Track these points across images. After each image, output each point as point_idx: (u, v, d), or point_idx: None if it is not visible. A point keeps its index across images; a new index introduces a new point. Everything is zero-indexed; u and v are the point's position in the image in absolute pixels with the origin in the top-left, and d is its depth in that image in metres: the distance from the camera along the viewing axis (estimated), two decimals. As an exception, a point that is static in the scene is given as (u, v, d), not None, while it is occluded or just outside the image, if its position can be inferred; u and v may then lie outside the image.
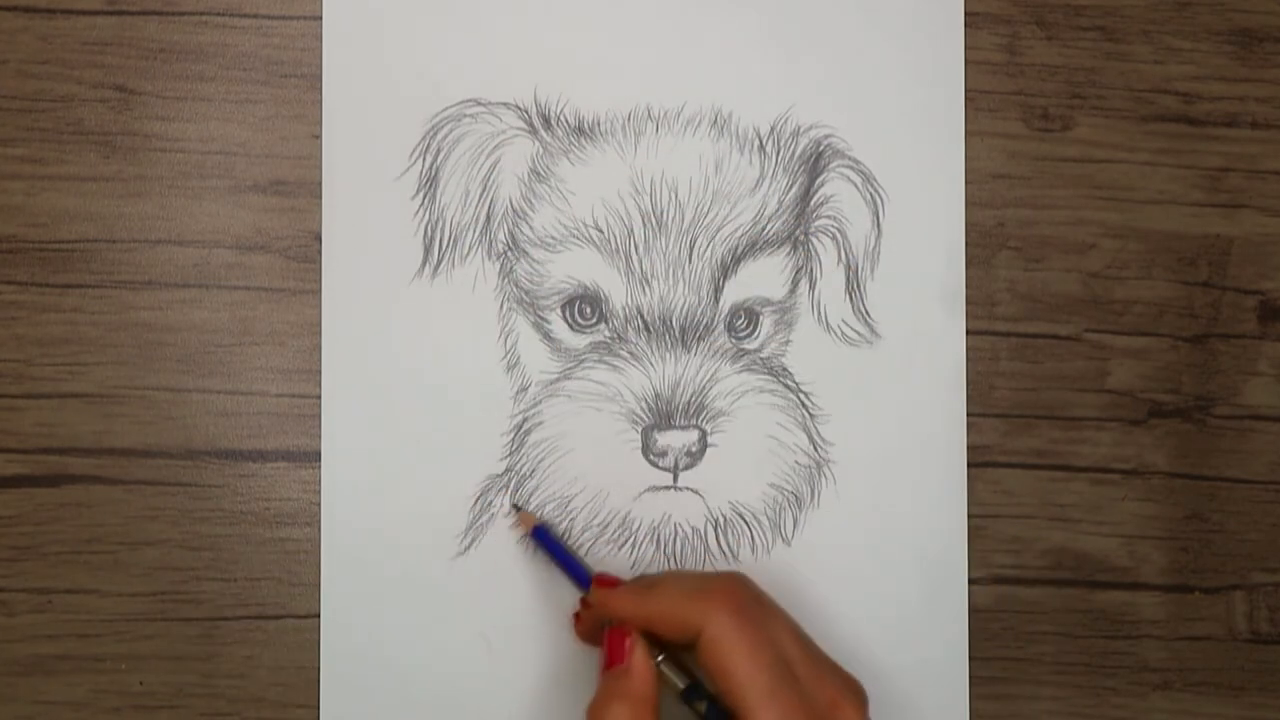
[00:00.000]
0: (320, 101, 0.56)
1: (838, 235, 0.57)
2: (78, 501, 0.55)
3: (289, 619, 0.55)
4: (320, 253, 0.56)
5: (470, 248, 0.56)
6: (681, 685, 0.49)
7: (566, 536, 0.55)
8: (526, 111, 0.56)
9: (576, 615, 0.53)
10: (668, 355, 0.55)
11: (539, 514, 0.55)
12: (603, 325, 0.56)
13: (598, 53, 0.57)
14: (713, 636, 0.47)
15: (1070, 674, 0.57)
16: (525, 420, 0.56)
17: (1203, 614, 0.58)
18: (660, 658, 0.49)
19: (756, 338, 0.56)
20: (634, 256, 0.56)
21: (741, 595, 0.48)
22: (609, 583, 0.51)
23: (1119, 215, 0.58)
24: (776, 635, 0.48)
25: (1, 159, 0.55)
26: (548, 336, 0.56)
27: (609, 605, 0.50)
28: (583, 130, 0.56)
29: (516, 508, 0.55)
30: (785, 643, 0.48)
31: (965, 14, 0.58)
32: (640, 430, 0.55)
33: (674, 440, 0.55)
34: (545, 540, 0.54)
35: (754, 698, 0.45)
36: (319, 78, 0.56)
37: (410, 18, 0.56)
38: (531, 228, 0.56)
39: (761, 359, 0.56)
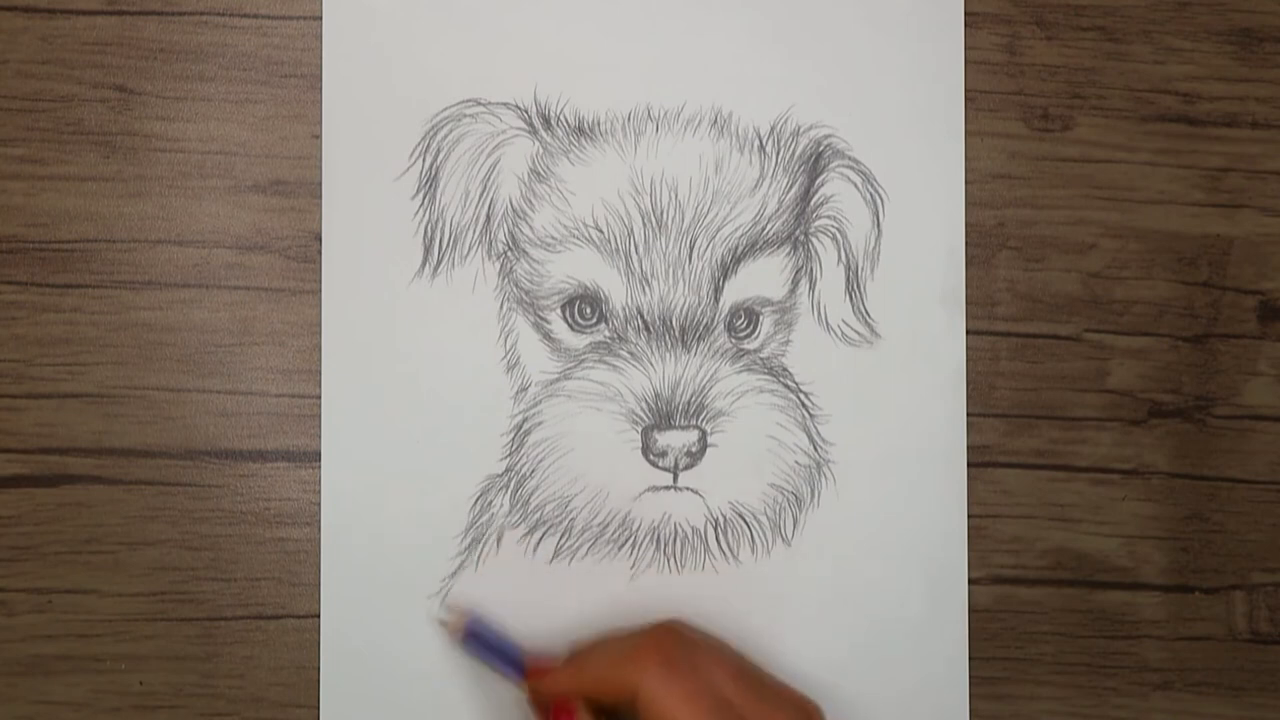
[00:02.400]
0: (320, 101, 0.56)
1: (838, 235, 0.57)
2: (78, 501, 0.55)
3: (289, 619, 0.55)
4: (320, 253, 0.56)
5: (470, 248, 0.56)
6: None
7: (496, 633, 0.54)
8: (526, 111, 0.56)
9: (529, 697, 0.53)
10: (668, 355, 0.55)
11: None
12: (603, 325, 0.56)
13: (598, 52, 0.57)
14: (647, 696, 0.47)
15: (1070, 674, 0.57)
16: (525, 420, 0.56)
17: (1203, 614, 0.58)
18: None
19: (756, 338, 0.56)
20: (634, 256, 0.56)
21: (669, 647, 0.48)
22: (541, 670, 0.51)
23: (1119, 215, 0.58)
24: (713, 679, 0.48)
25: (1, 159, 0.55)
26: (548, 336, 0.56)
27: (545, 689, 0.50)
28: (583, 130, 0.56)
29: (443, 622, 0.54)
30: (723, 683, 0.48)
31: (965, 14, 0.58)
32: (640, 430, 0.55)
33: (674, 440, 0.55)
34: (477, 646, 0.54)
35: None
36: (319, 78, 0.56)
37: (410, 18, 0.56)
38: (531, 228, 0.56)
39: (761, 359, 0.56)
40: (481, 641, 0.54)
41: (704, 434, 0.55)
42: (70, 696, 0.54)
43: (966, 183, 0.58)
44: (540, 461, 0.55)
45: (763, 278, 0.56)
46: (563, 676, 0.50)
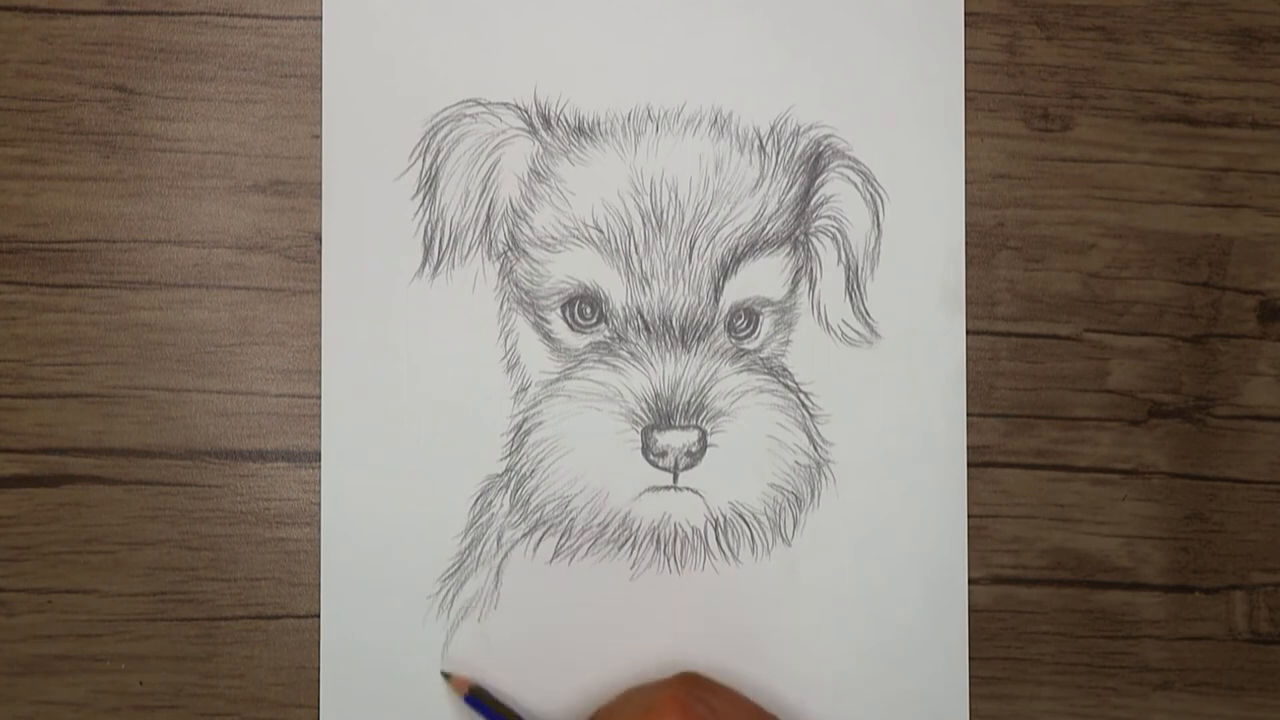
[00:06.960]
0: (320, 101, 0.56)
1: (838, 235, 0.57)
2: (78, 501, 0.55)
3: (289, 619, 0.55)
4: (320, 253, 0.56)
5: (470, 248, 0.56)
6: None
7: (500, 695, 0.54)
8: (526, 111, 0.56)
9: None
10: (668, 355, 0.55)
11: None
12: (603, 325, 0.56)
13: (598, 52, 0.57)
14: None
15: (1070, 674, 0.57)
16: (525, 420, 0.56)
17: (1203, 614, 0.58)
18: None
19: (756, 338, 0.56)
20: (634, 256, 0.56)
21: (684, 698, 0.49)
22: None
23: (1119, 215, 0.58)
24: None
25: (1, 159, 0.55)
26: (548, 336, 0.56)
27: None
28: (583, 130, 0.56)
29: (446, 676, 0.54)
30: None
31: (965, 14, 0.58)
32: (640, 430, 0.55)
33: (674, 440, 0.55)
34: (481, 710, 0.53)
35: None
36: (319, 78, 0.56)
37: (410, 18, 0.56)
38: (531, 228, 0.56)
39: (761, 359, 0.56)
40: (482, 711, 0.54)
41: (704, 434, 0.55)
42: (70, 696, 0.54)
43: (966, 183, 0.58)
44: (540, 461, 0.55)
45: (763, 278, 0.56)
46: None
